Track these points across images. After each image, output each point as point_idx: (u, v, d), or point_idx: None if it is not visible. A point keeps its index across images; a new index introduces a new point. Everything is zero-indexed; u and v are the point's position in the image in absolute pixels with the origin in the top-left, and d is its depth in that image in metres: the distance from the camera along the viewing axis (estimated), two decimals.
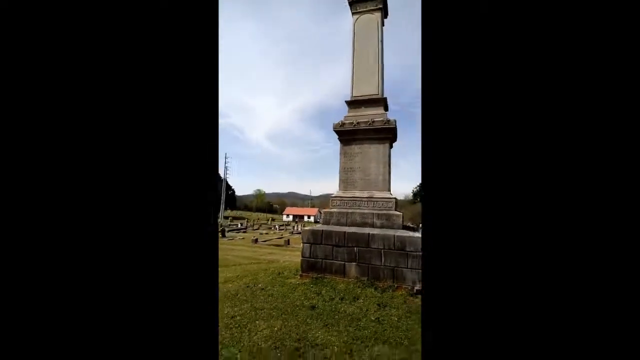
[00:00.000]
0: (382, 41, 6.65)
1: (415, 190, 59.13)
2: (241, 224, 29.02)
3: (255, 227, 33.63)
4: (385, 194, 5.67)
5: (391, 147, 6.73)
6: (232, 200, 64.04)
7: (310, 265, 5.41)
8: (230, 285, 5.48)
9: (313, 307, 4.20)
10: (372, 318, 3.88)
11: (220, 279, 6.14)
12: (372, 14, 6.70)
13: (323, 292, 4.70)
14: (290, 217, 67.96)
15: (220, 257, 8.44)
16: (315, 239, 5.44)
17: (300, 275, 5.40)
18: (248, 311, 4.11)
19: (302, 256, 5.50)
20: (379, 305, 4.25)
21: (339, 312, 4.08)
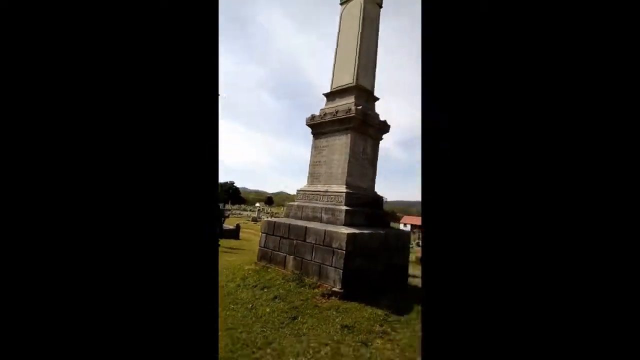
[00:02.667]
0: (364, 23, 6.12)
1: None
2: None
3: None
4: (340, 188, 5.25)
5: (374, 139, 6.06)
6: None
7: (262, 255, 5.63)
8: None
9: (222, 287, 4.50)
10: (249, 306, 3.87)
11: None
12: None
13: (249, 278, 4.88)
14: (408, 227, 64.34)
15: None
16: (269, 229, 5.63)
17: (255, 263, 5.69)
18: None
19: (259, 245, 5.78)
20: (275, 297, 4.12)
21: (231, 294, 4.23)
